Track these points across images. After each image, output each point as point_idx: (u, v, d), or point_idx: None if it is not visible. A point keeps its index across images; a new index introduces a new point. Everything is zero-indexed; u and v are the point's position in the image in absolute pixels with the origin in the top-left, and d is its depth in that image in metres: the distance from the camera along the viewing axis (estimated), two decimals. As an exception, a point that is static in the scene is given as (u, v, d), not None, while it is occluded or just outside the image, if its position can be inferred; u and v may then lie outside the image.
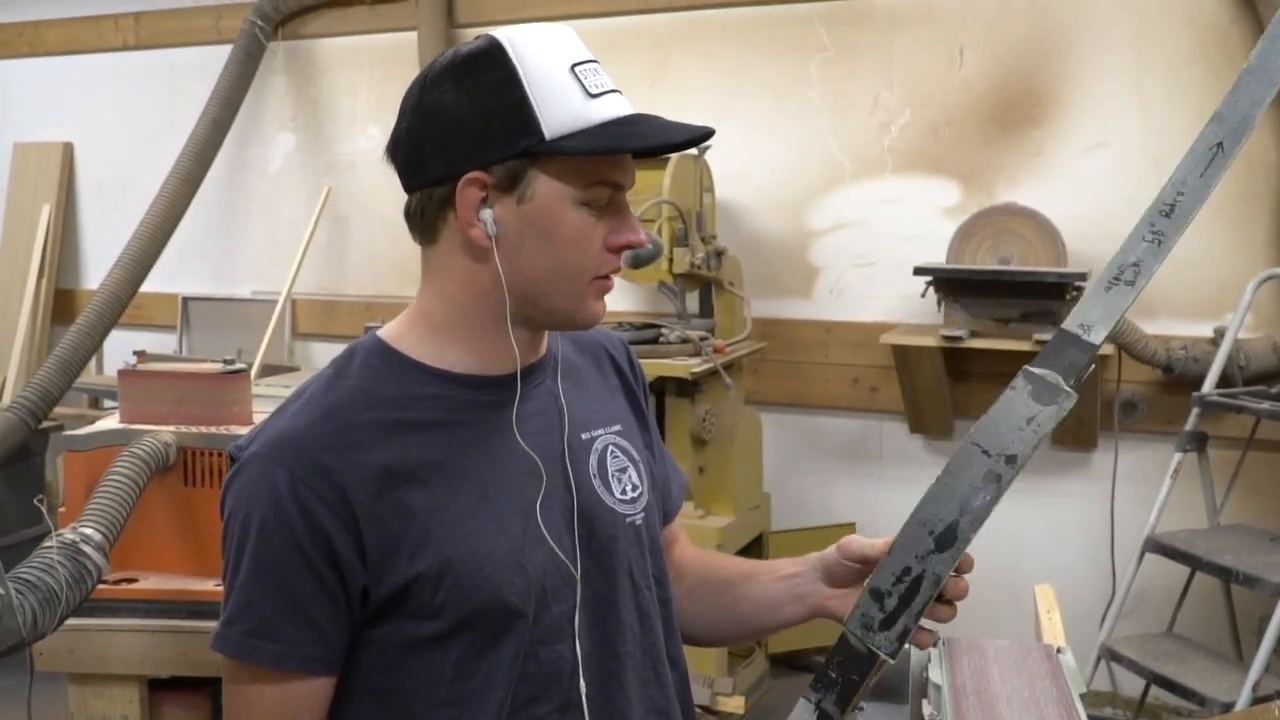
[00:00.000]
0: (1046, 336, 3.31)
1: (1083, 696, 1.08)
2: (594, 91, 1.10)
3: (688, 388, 3.41)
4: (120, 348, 4.56)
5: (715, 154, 3.73)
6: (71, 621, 2.10)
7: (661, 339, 3.45)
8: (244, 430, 1.30)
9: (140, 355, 3.30)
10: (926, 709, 1.07)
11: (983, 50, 3.79)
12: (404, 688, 1.14)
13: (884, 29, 3.92)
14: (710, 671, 3.35)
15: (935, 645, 1.15)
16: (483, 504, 1.14)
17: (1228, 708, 2.90)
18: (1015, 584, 2.32)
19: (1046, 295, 3.43)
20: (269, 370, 4.10)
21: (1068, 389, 1.01)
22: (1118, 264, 1.02)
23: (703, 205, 3.73)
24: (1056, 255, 3.55)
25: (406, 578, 1.11)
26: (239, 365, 2.74)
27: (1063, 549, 3.64)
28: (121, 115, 5.25)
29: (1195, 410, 3.28)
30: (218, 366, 2.73)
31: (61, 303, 5.32)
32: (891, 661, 1.05)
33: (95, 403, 4.78)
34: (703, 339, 3.46)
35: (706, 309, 3.84)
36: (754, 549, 3.69)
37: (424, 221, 1.16)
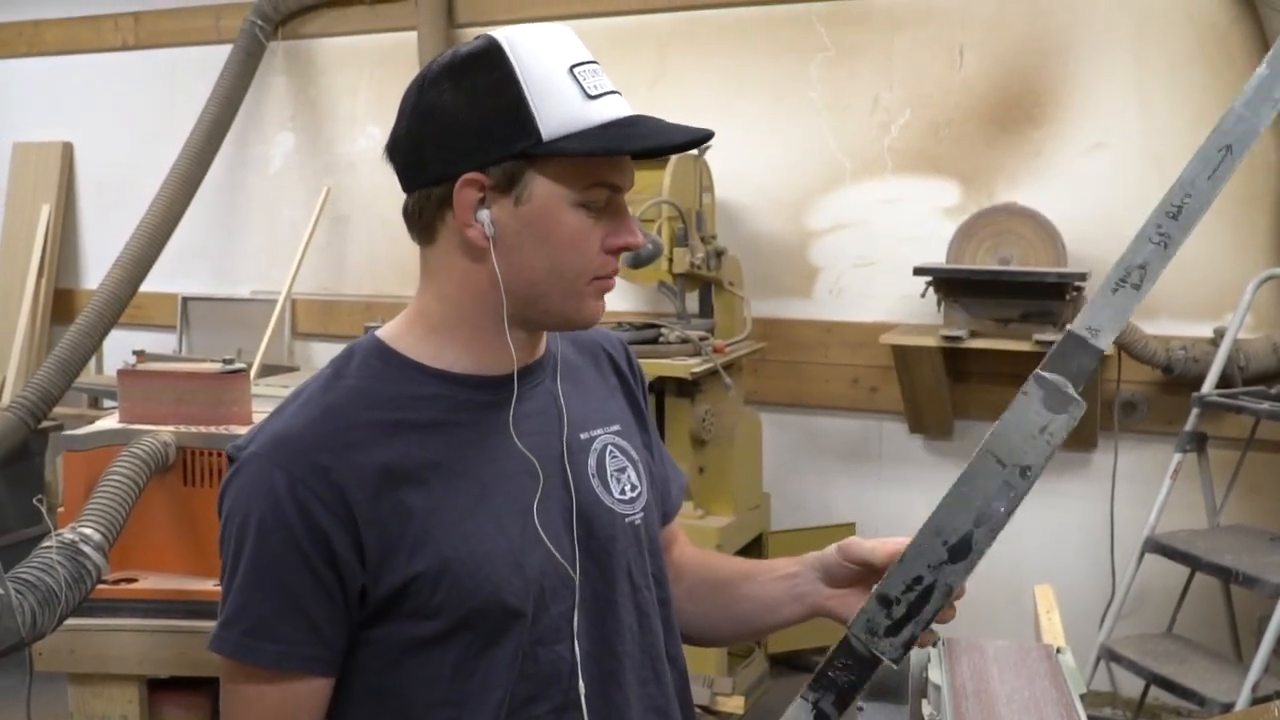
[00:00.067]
0: (1046, 337, 3.32)
1: (1082, 697, 1.08)
2: (592, 93, 1.10)
3: (687, 388, 3.41)
4: (120, 347, 4.56)
5: (715, 154, 3.73)
6: (71, 621, 2.09)
7: (661, 339, 3.44)
8: (243, 430, 1.30)
9: (140, 355, 3.29)
10: (926, 709, 1.07)
11: (982, 50, 3.79)
12: (402, 688, 1.14)
13: (884, 29, 3.92)
14: (710, 671, 3.35)
15: (935, 645, 1.15)
16: (481, 504, 1.14)
17: (1227, 708, 2.90)
18: (1015, 584, 2.32)
19: (1046, 295, 3.43)
20: (268, 370, 4.10)
21: (1077, 397, 1.01)
22: (1124, 266, 1.01)
23: (702, 205, 3.73)
24: (1056, 255, 3.55)
25: (405, 578, 1.11)
26: (238, 365, 2.74)
27: (1062, 549, 3.64)
28: (121, 115, 5.25)
29: (1195, 410, 3.28)
30: (217, 366, 2.72)
31: (61, 302, 5.33)
32: (894, 667, 1.05)
33: (95, 402, 4.78)
34: (702, 339, 3.46)
35: (706, 309, 3.84)
36: (753, 549, 3.69)
37: (422, 221, 1.16)
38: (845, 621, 1.19)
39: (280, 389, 3.12)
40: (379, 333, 1.21)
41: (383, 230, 4.65)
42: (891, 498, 3.95)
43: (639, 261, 3.29)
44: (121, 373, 2.73)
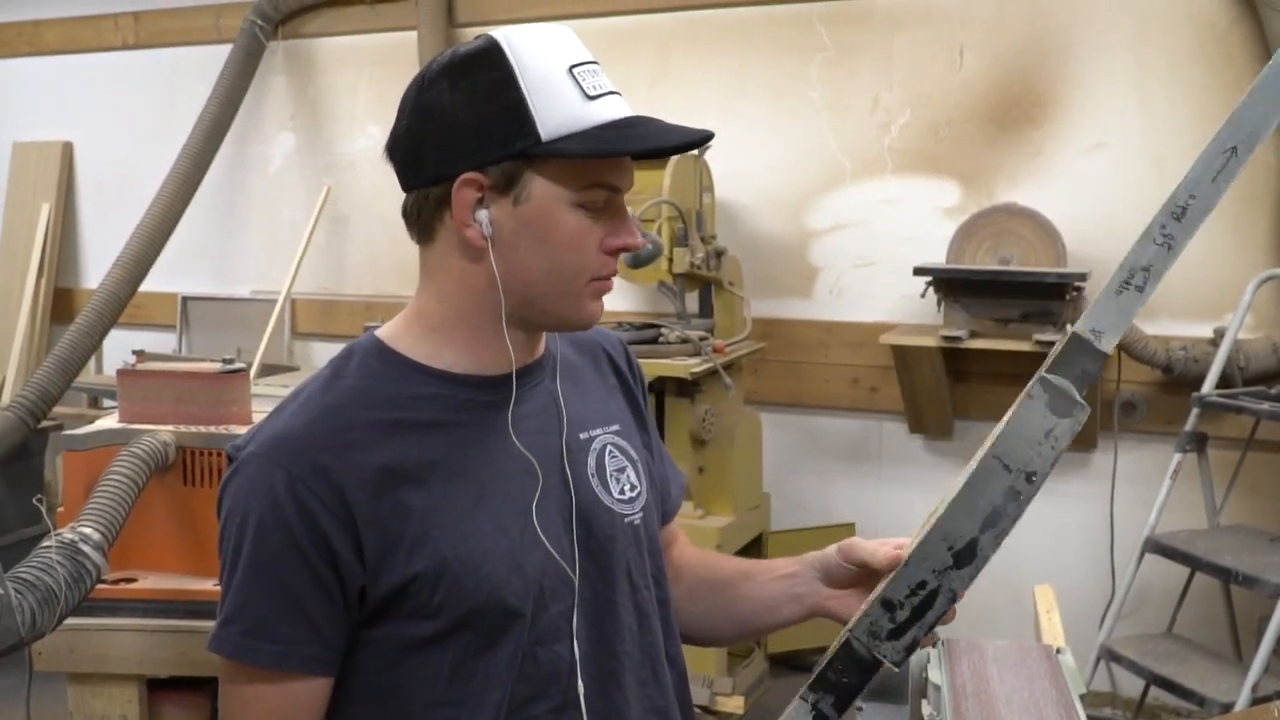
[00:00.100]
0: (1047, 337, 3.32)
1: (1082, 697, 1.08)
2: (592, 93, 1.10)
3: (687, 388, 3.41)
4: (119, 347, 4.56)
5: (715, 154, 3.73)
6: (70, 621, 2.09)
7: (661, 339, 3.44)
8: (243, 430, 1.30)
9: (139, 355, 3.29)
10: (926, 709, 1.07)
11: (982, 50, 3.79)
12: (401, 688, 1.14)
13: (884, 29, 3.92)
14: (709, 671, 3.35)
15: (935, 645, 1.15)
16: (480, 504, 1.14)
17: (1227, 708, 2.90)
18: (1015, 584, 2.32)
19: (1046, 296, 3.43)
20: (268, 370, 4.10)
21: (1081, 401, 1.01)
22: (1128, 267, 1.00)
23: (702, 205, 3.73)
24: (1056, 255, 3.55)
25: (404, 578, 1.10)
26: (238, 365, 2.74)
27: (1062, 549, 3.64)
28: (121, 114, 5.25)
29: (1195, 411, 3.28)
30: (217, 366, 2.72)
31: (61, 302, 5.32)
32: (896, 670, 1.05)
33: (94, 402, 4.78)
34: (702, 339, 3.46)
35: (706, 309, 3.84)
36: (753, 549, 3.69)
37: (421, 221, 1.16)
38: (844, 622, 1.19)
39: (280, 389, 3.12)
40: (378, 332, 1.21)
41: (383, 230, 4.65)
42: (891, 498, 3.95)
43: (639, 261, 3.29)
44: (121, 372, 2.73)
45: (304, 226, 4.62)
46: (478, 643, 1.13)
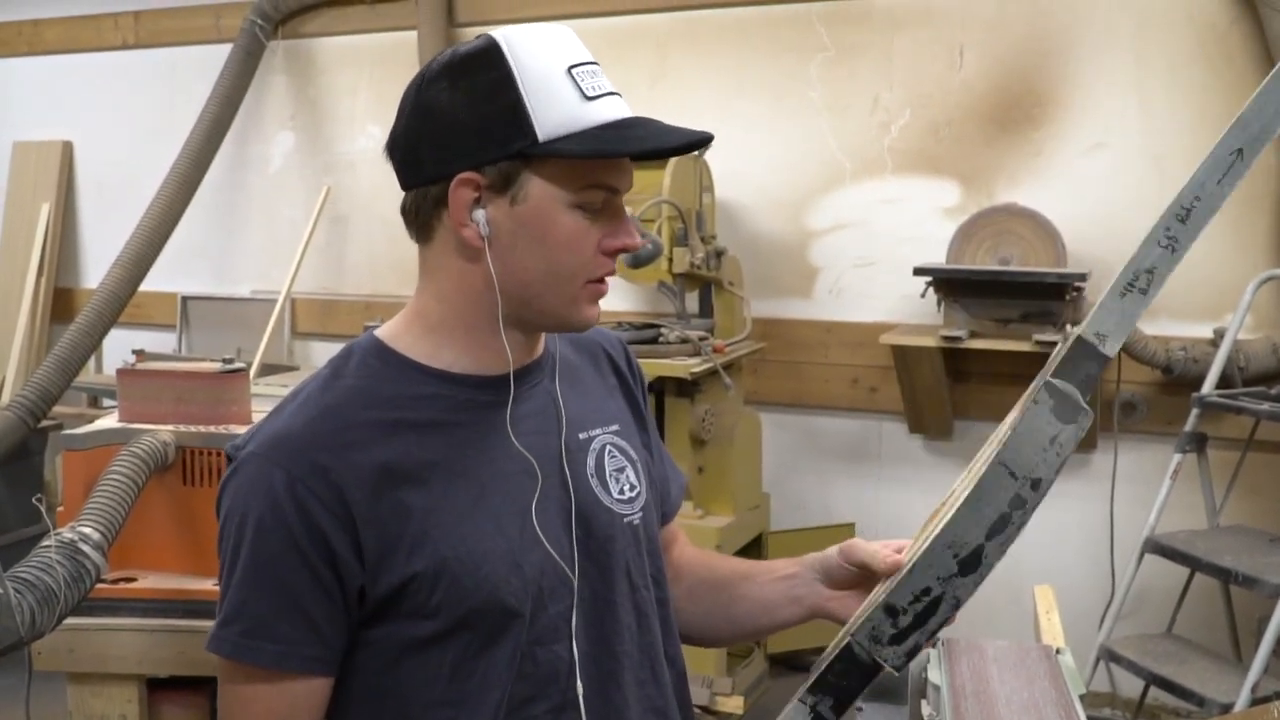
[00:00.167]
0: (1046, 337, 3.31)
1: (1082, 697, 1.08)
2: (590, 94, 1.10)
3: (687, 388, 3.41)
4: (119, 347, 4.56)
5: (715, 154, 3.73)
6: (70, 621, 2.09)
7: (661, 339, 3.44)
8: (243, 430, 1.30)
9: (139, 354, 3.30)
10: (925, 709, 1.07)
11: (982, 50, 3.79)
12: (401, 688, 1.14)
13: (884, 29, 3.92)
14: (709, 671, 3.35)
15: (935, 646, 1.15)
16: (480, 504, 1.14)
17: (1227, 709, 2.90)
18: (1014, 584, 2.32)
19: (1046, 296, 3.43)
20: (268, 369, 4.10)
21: (1085, 406, 1.00)
22: (1132, 269, 1.00)
23: (702, 205, 3.73)
24: (1056, 256, 3.55)
25: (403, 577, 1.10)
26: (238, 364, 2.74)
27: (1062, 549, 3.64)
28: (121, 114, 5.25)
29: (1195, 411, 3.28)
30: (217, 366, 2.72)
31: (61, 302, 5.32)
32: (896, 674, 1.05)
33: (94, 402, 4.78)
34: (702, 339, 3.45)
35: (706, 309, 3.84)
36: (753, 549, 3.69)
37: (419, 220, 1.16)
38: (843, 623, 1.19)
39: (280, 388, 3.11)
40: (378, 332, 1.21)
41: (382, 230, 4.65)
42: (891, 498, 3.95)
43: (639, 261, 3.29)
44: (121, 372, 2.73)
45: (304, 226, 4.62)
46: (477, 643, 1.13)
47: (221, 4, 4.98)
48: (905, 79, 3.89)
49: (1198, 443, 3.31)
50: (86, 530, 2.09)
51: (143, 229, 4.31)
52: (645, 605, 1.25)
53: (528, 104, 1.08)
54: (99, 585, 2.12)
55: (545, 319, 1.17)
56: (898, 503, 3.92)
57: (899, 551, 1.19)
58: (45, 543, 2.02)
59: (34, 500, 2.20)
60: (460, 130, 1.10)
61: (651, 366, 3.16)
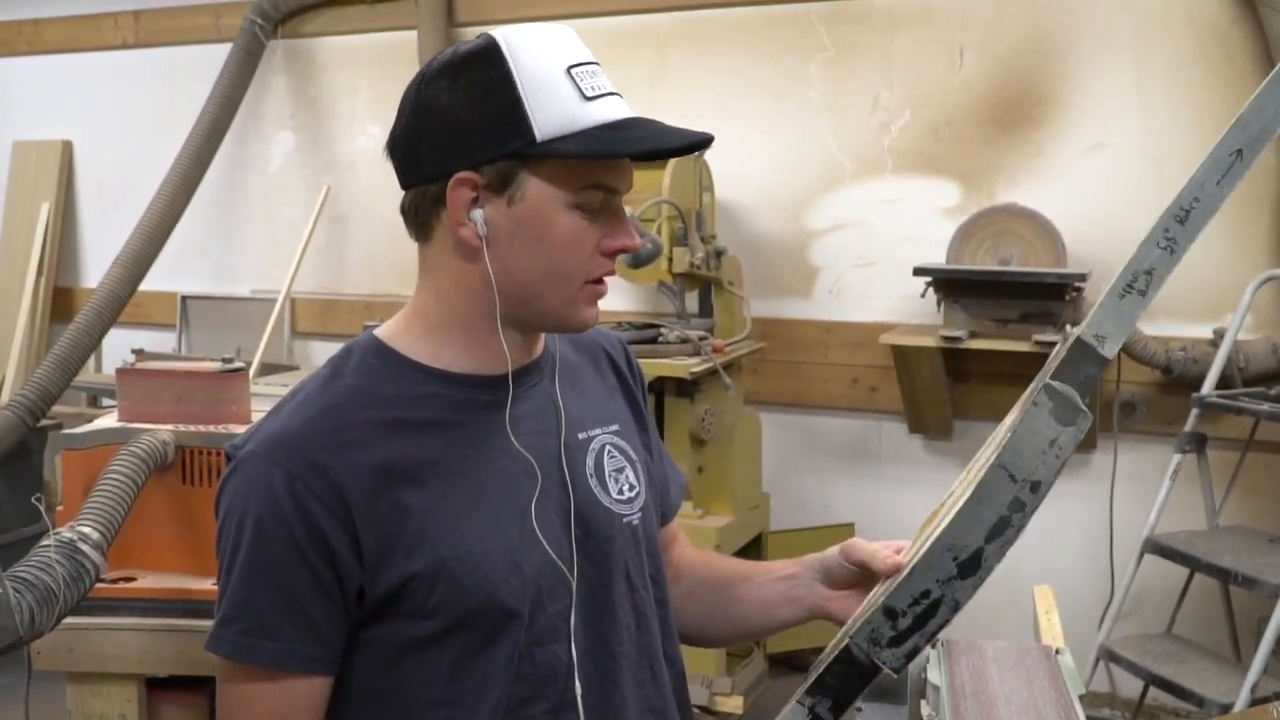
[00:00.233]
0: (1046, 337, 3.31)
1: (1081, 697, 1.08)
2: (590, 94, 1.09)
3: (687, 387, 3.41)
4: (119, 346, 4.56)
5: (715, 154, 3.72)
6: (69, 620, 2.09)
7: (661, 339, 3.44)
8: (242, 429, 1.30)
9: (139, 354, 3.30)
10: (925, 710, 1.07)
11: (982, 50, 3.79)
12: (400, 688, 1.14)
13: (884, 29, 3.92)
14: (709, 671, 3.35)
15: (934, 646, 1.15)
16: (479, 504, 1.14)
17: (1226, 709, 2.90)
18: (1014, 585, 2.31)
19: (1046, 296, 3.43)
20: (268, 369, 4.10)
21: (1085, 409, 1.00)
22: (1131, 271, 1.00)
23: (702, 205, 3.73)
24: (1056, 256, 3.55)
25: (402, 577, 1.10)
26: (238, 364, 2.74)
27: (1062, 550, 3.64)
28: (121, 114, 5.25)
29: (1194, 411, 3.28)
30: (216, 365, 2.72)
31: (60, 301, 5.32)
32: (894, 676, 1.04)
33: (94, 401, 4.78)
34: (702, 339, 3.45)
35: (706, 309, 3.84)
36: (753, 549, 3.69)
37: (418, 219, 1.16)
38: (842, 623, 1.19)
39: (279, 388, 3.11)
40: (377, 331, 1.21)
41: (382, 229, 4.65)
42: (891, 498, 3.95)
43: (639, 261, 3.29)
44: (120, 371, 2.72)
45: (304, 226, 4.62)
46: (475, 643, 1.12)
47: (221, 3, 4.98)
48: (905, 79, 3.89)
49: (1197, 443, 3.31)
50: (86, 530, 2.08)
51: (142, 228, 4.31)
52: (644, 605, 1.25)
53: (526, 104, 1.08)
54: (98, 585, 2.11)
55: (544, 319, 1.17)
56: (897, 503, 3.92)
57: (898, 552, 1.19)
58: (44, 542, 2.02)
59: (33, 499, 2.20)
60: (459, 129, 1.10)
61: (651, 366, 3.16)
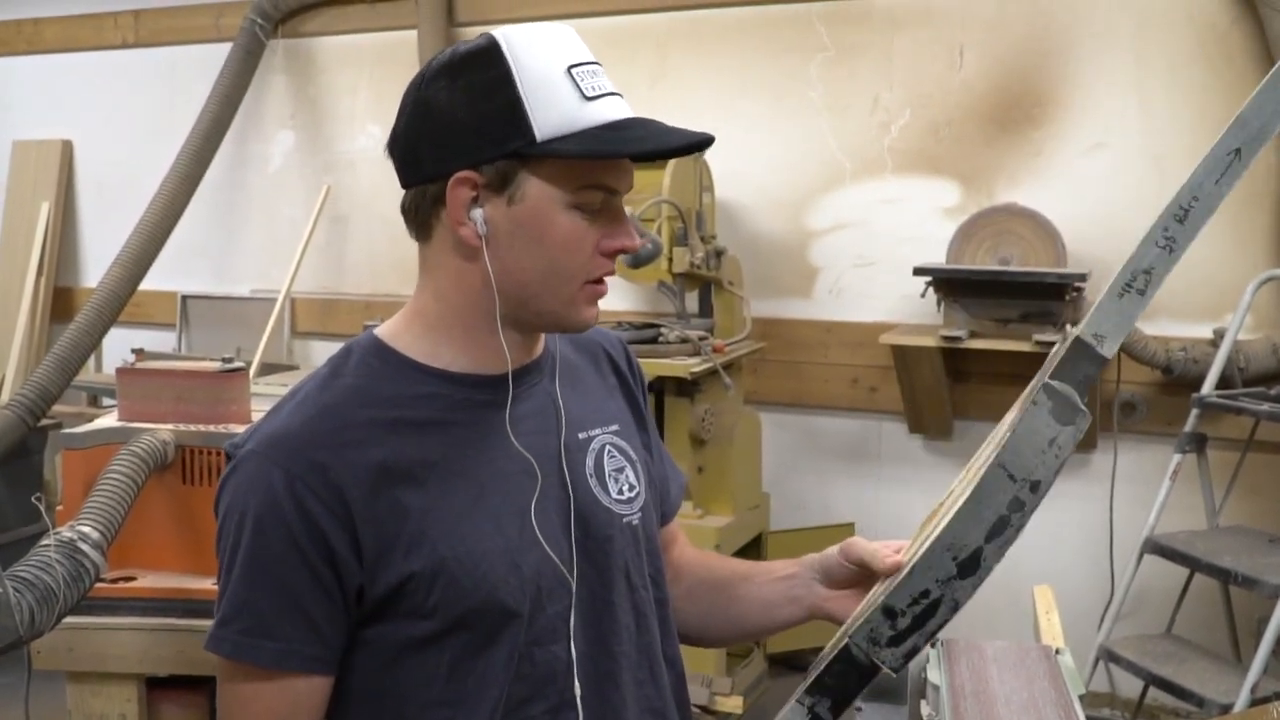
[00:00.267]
0: (1046, 337, 3.31)
1: (1081, 698, 1.08)
2: (590, 94, 1.09)
3: (687, 387, 3.41)
4: (119, 346, 4.56)
5: (715, 154, 3.72)
6: (69, 620, 2.09)
7: (661, 338, 3.44)
8: (242, 429, 1.30)
9: (139, 353, 3.29)
10: (925, 709, 1.07)
11: (982, 50, 3.79)
12: (399, 688, 1.14)
13: (884, 29, 3.92)
14: (708, 671, 3.35)
15: (934, 646, 1.15)
16: (479, 504, 1.14)
17: (1226, 709, 2.90)
18: (1014, 585, 2.31)
19: (1046, 296, 3.43)
20: (268, 369, 4.10)
21: (1083, 408, 1.00)
22: (1130, 270, 1.00)
23: (702, 205, 3.73)
24: (1056, 256, 3.55)
25: (401, 576, 1.10)
26: (238, 364, 2.74)
27: (1062, 550, 3.64)
28: (121, 113, 5.25)
29: (1194, 411, 3.28)
30: (216, 365, 2.72)
31: (60, 301, 5.32)
32: (894, 676, 1.04)
33: (94, 401, 4.78)
34: (702, 339, 3.45)
35: (706, 309, 3.84)
36: (753, 549, 3.69)
37: (418, 218, 1.16)
38: (841, 623, 1.19)
39: (279, 388, 3.11)
40: (377, 331, 1.21)
41: (382, 229, 4.65)
42: (891, 498, 3.95)
43: (639, 261, 3.29)
44: (120, 371, 2.72)
45: (304, 225, 4.62)
46: (475, 643, 1.12)
47: (221, 3, 4.98)
48: (905, 79, 3.89)
49: (1197, 443, 3.31)
50: (86, 529, 2.08)
51: (142, 228, 4.31)
52: (644, 605, 1.25)
53: (526, 103, 1.07)
54: (98, 584, 2.12)
55: (543, 319, 1.17)
56: (897, 503, 3.92)
57: (898, 552, 1.19)
58: (44, 542, 2.02)
59: (33, 499, 2.20)
60: (459, 129, 1.10)
61: (651, 366, 3.16)
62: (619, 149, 1.10)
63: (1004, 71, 3.77)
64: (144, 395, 2.63)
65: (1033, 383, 1.05)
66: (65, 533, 2.05)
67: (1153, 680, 3.18)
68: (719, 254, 3.69)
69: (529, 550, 1.14)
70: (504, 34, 1.11)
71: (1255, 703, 2.86)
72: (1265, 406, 3.14)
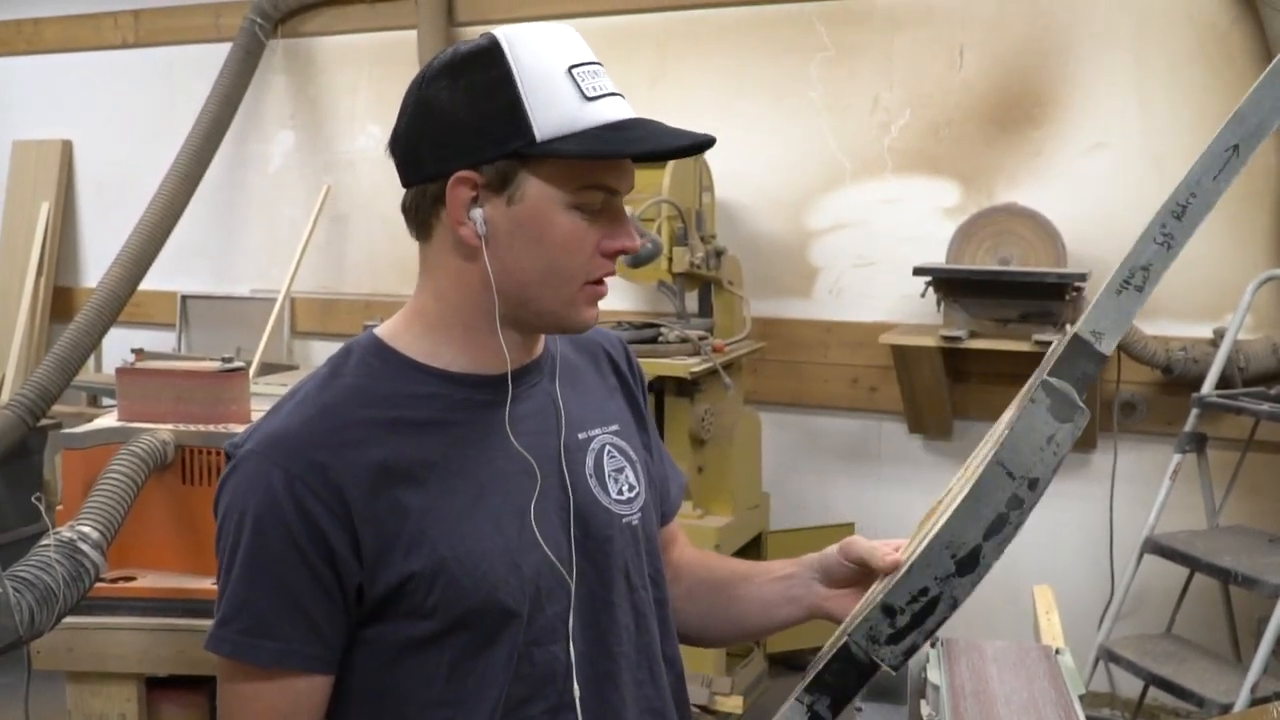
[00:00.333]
0: (1046, 337, 3.31)
1: (1081, 697, 1.08)
2: (590, 94, 1.09)
3: (687, 387, 3.40)
4: (119, 345, 4.56)
5: (715, 154, 3.72)
6: (69, 620, 2.09)
7: (661, 338, 3.44)
8: (242, 429, 1.30)
9: (139, 353, 3.29)
10: (925, 709, 1.07)
11: (982, 50, 3.79)
12: (398, 688, 1.14)
13: (884, 29, 3.92)
14: (708, 671, 3.35)
15: (934, 646, 1.15)
16: (478, 504, 1.14)
17: (1226, 709, 2.90)
18: (1014, 584, 2.32)
19: (1046, 296, 3.43)
20: (268, 369, 4.10)
21: (1082, 405, 1.00)
22: (1128, 267, 1.00)
23: (702, 205, 3.73)
24: (1056, 256, 3.55)
25: (401, 576, 1.10)
26: (237, 363, 2.74)
27: (1062, 549, 3.64)
28: (120, 113, 5.25)
29: (1194, 411, 3.28)
30: (216, 365, 2.72)
31: (60, 300, 5.32)
32: (893, 674, 1.04)
33: (94, 401, 4.78)
34: (702, 338, 3.45)
35: (706, 309, 3.84)
36: (752, 549, 3.69)
37: (419, 218, 1.16)
38: (840, 622, 1.19)
39: (279, 387, 3.11)
40: (377, 331, 1.21)
41: (382, 229, 4.65)
42: (891, 498, 3.95)
43: (639, 261, 3.29)
44: (120, 371, 2.72)
45: (304, 225, 4.62)
46: (474, 643, 1.12)
47: (221, 3, 4.98)
48: (905, 79, 3.89)
49: (1197, 443, 3.31)
50: (85, 529, 2.08)
51: (142, 228, 4.31)
52: (643, 606, 1.25)
53: (526, 103, 1.07)
54: (98, 584, 2.11)
55: (543, 319, 1.17)
56: (897, 502, 3.92)
57: (897, 550, 1.19)
58: (44, 541, 2.02)
59: (33, 499, 2.20)
60: (459, 128, 1.10)
61: (651, 366, 3.16)
62: (619, 149, 1.10)
63: (1004, 71, 3.77)
64: (144, 395, 2.63)
65: (1031, 380, 1.05)
66: (65, 533, 2.05)
67: (1153, 680, 3.18)
68: (719, 254, 3.69)
69: (528, 550, 1.14)
70: (505, 34, 1.11)
71: (1255, 702, 2.86)
72: (1265, 406, 3.14)
